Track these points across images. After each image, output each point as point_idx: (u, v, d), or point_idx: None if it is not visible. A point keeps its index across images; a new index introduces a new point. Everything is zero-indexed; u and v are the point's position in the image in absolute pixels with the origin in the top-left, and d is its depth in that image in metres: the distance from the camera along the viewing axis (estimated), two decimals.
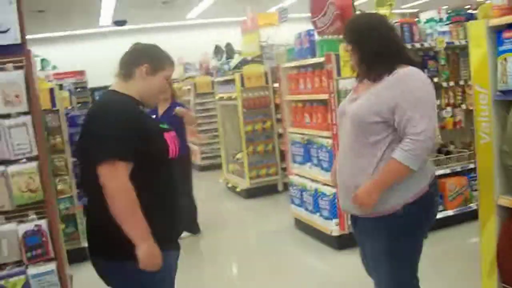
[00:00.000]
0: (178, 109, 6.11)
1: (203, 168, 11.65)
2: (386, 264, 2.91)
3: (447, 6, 9.94)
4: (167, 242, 2.60)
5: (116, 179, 2.34)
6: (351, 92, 3.18)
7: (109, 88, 2.70)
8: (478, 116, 3.36)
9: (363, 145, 2.81)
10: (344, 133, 2.99)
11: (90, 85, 15.22)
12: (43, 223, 2.62)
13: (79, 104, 10.93)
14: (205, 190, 10.45)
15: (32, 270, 2.62)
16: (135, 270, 2.42)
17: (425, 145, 2.65)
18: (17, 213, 2.65)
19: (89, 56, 16.39)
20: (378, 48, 2.83)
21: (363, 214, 2.88)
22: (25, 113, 2.60)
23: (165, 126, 2.71)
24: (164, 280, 2.63)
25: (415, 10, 16.00)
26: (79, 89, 14.32)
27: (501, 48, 3.10)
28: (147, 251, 2.39)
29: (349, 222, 5.25)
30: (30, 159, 2.62)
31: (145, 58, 2.65)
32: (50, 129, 5.81)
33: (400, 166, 2.67)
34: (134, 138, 2.43)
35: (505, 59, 3.06)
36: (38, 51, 17.82)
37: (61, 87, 11.15)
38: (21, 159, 2.61)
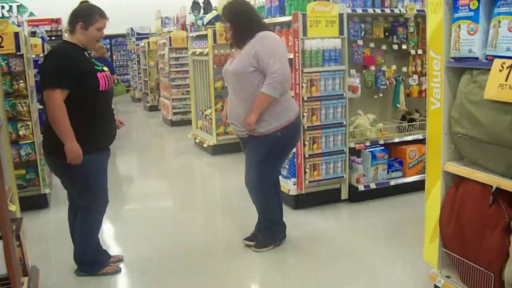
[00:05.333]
0: None
1: (174, 123, 11.65)
2: (257, 168, 4.29)
3: None
4: (96, 148, 3.82)
5: (52, 99, 3.53)
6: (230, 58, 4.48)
7: (63, 39, 4.06)
8: (430, 82, 3.38)
9: (247, 91, 4.12)
10: (231, 86, 4.28)
11: None
12: None
13: None
14: (174, 145, 10.50)
15: None
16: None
17: (278, 79, 3.97)
18: None
19: (68, 5, 16.15)
20: (246, 25, 4.14)
21: (252, 133, 4.19)
22: None
23: (99, 68, 3.80)
24: (99, 170, 3.93)
25: None
26: (53, 37, 14.09)
27: (456, 15, 3.09)
28: (70, 148, 3.59)
29: (307, 182, 5.37)
30: None
31: (79, 18, 3.71)
32: (14, 73, 5.72)
33: (265, 95, 4.03)
34: (70, 73, 3.56)
35: (459, 26, 3.06)
36: None
37: (34, 34, 10.98)
38: None
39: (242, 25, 4.15)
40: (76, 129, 3.60)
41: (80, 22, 3.69)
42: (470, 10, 2.99)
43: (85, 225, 4.05)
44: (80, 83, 3.61)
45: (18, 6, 17.79)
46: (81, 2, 3.82)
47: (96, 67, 3.79)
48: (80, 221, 4.04)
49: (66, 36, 3.86)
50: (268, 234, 4.57)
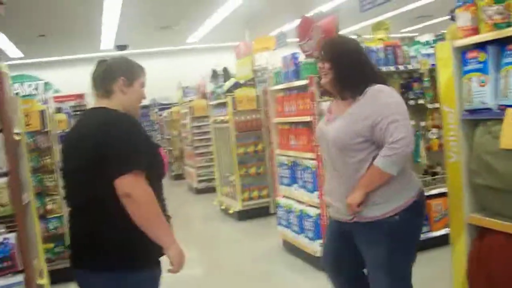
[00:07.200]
0: None
1: (199, 191, 11.70)
2: (387, 269, 3.07)
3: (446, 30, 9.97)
4: (158, 257, 2.70)
5: (141, 187, 2.40)
6: (326, 113, 3.36)
7: (95, 107, 2.72)
8: (446, 136, 3.43)
9: (351, 165, 3.03)
10: (328, 156, 3.18)
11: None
12: (11, 236, 2.68)
13: None
14: (199, 213, 10.53)
15: (0, 282, 2.68)
16: (135, 281, 2.56)
17: (402, 152, 2.86)
18: None
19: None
20: (353, 70, 3.06)
21: (358, 219, 3.06)
22: None
23: (157, 142, 2.71)
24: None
25: (414, 34, 16.07)
26: (78, 112, 14.41)
27: (466, 68, 3.16)
28: (178, 251, 2.56)
29: None
30: (0, 175, 2.68)
31: (119, 72, 2.70)
32: (40, 149, 5.90)
33: (380, 171, 2.92)
34: (146, 150, 2.53)
35: (469, 79, 3.13)
36: (42, 75, 18.21)
37: (59, 110, 11.30)
38: None
39: (350, 68, 3.06)
40: (136, 233, 2.47)
41: (122, 77, 2.69)
42: (479, 62, 3.07)
43: None
44: (152, 163, 2.60)
45: (45, 83, 18.38)
46: (100, 61, 2.83)
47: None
48: None
49: (96, 102, 2.74)
50: None
